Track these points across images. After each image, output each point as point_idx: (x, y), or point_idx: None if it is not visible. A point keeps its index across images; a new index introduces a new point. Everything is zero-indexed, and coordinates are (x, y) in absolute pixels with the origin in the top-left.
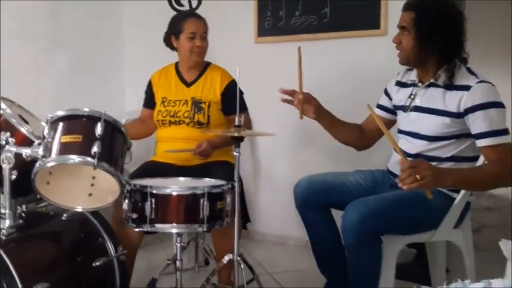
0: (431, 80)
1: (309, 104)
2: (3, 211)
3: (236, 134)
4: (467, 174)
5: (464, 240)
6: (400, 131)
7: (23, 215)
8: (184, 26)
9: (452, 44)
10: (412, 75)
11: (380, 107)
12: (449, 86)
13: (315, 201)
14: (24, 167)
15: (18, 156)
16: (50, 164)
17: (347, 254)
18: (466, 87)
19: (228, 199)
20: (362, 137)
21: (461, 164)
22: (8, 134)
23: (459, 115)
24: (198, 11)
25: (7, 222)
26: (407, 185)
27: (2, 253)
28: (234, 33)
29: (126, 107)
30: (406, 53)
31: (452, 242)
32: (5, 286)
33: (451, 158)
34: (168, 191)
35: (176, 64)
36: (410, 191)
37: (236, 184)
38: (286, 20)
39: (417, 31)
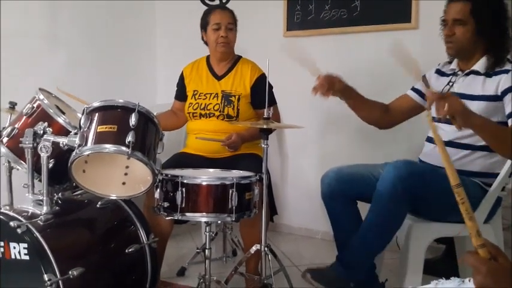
0: (473, 68)
1: (333, 87)
2: (41, 198)
3: (265, 126)
4: (496, 126)
5: (495, 236)
6: (434, 119)
7: (60, 202)
8: (210, 18)
9: (504, 36)
10: (452, 65)
11: (415, 90)
12: (489, 74)
13: (342, 192)
14: (61, 156)
15: (55, 145)
16: (86, 153)
17: (374, 201)
18: (506, 71)
19: (256, 191)
20: (385, 116)
21: (495, 154)
22: (46, 124)
23: (497, 98)
24: (228, 6)
25: (44, 209)
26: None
27: (40, 238)
28: (264, 27)
29: (157, 100)
30: (460, 45)
31: None
32: (42, 269)
33: (484, 147)
34: (198, 180)
35: (207, 57)
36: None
37: (264, 176)
38: (316, 13)
39: (476, 22)
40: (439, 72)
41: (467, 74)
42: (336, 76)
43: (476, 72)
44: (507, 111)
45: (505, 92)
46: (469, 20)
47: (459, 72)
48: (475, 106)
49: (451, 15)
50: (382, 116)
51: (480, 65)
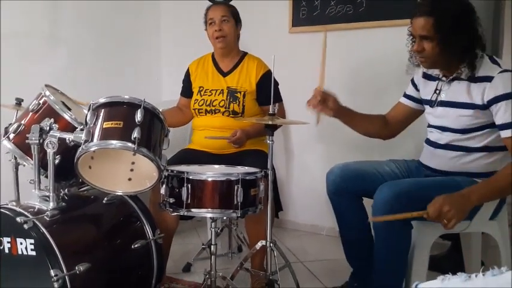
0: (455, 75)
1: (326, 103)
2: (47, 194)
3: (270, 122)
4: (491, 185)
5: (501, 232)
6: (430, 125)
7: (66, 197)
8: (206, 15)
9: (474, 39)
10: (436, 70)
11: (407, 96)
12: (473, 78)
13: (347, 188)
14: (67, 152)
15: (61, 141)
16: (92, 149)
17: (375, 235)
18: (489, 78)
19: (261, 187)
20: (385, 128)
21: (495, 153)
22: (52, 120)
23: (485, 106)
24: (232, 2)
25: (51, 205)
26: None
27: (47, 233)
28: (269, 24)
29: (163, 97)
30: (431, 59)
31: (488, 236)
32: (49, 265)
33: (484, 148)
34: (203, 177)
35: (213, 54)
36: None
37: (269, 172)
38: (321, 9)
39: (440, 36)
40: (426, 77)
41: (452, 80)
42: (332, 95)
43: (459, 78)
44: (497, 121)
45: (491, 102)
46: (434, 36)
47: (443, 78)
48: (464, 114)
49: (417, 31)
50: (382, 128)
51: (461, 72)
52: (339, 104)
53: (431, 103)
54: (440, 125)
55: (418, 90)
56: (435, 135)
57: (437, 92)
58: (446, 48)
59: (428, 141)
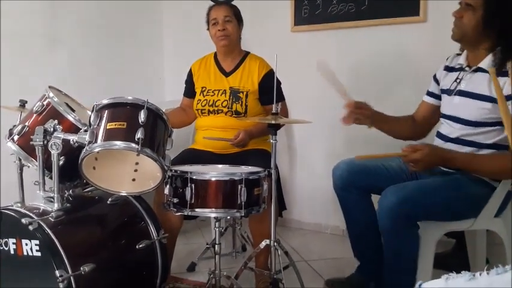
0: (479, 65)
1: (362, 113)
2: (51, 195)
3: (273, 121)
4: (478, 162)
5: (506, 230)
6: (443, 115)
7: (70, 198)
8: (209, 15)
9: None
10: (461, 59)
11: (430, 94)
12: (497, 72)
13: (354, 183)
14: (71, 153)
15: (65, 142)
16: (96, 150)
17: (383, 239)
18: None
19: (265, 186)
20: (415, 128)
21: (502, 151)
22: (56, 121)
23: None
24: (234, 2)
25: (55, 206)
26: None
27: (52, 234)
28: (271, 22)
29: (166, 97)
30: (464, 30)
31: (494, 233)
32: (54, 265)
33: (492, 145)
34: (207, 176)
35: (215, 54)
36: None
37: (273, 171)
38: (323, 8)
39: (485, 11)
40: (448, 69)
41: (475, 71)
42: (362, 103)
43: (483, 70)
44: None
45: (509, 98)
46: (478, 8)
47: (466, 68)
48: (480, 106)
49: None
50: (412, 128)
51: (487, 62)
52: (372, 109)
53: (449, 92)
54: (454, 115)
55: (439, 84)
56: (446, 128)
57: (458, 80)
58: (483, 26)
59: (439, 134)
